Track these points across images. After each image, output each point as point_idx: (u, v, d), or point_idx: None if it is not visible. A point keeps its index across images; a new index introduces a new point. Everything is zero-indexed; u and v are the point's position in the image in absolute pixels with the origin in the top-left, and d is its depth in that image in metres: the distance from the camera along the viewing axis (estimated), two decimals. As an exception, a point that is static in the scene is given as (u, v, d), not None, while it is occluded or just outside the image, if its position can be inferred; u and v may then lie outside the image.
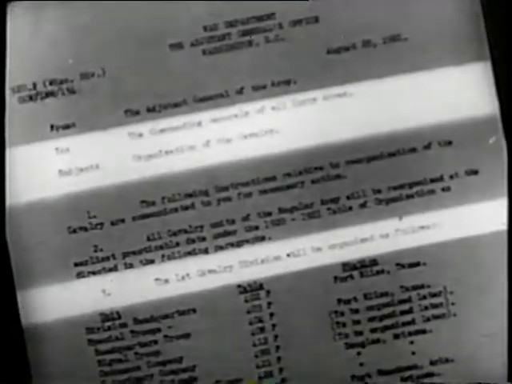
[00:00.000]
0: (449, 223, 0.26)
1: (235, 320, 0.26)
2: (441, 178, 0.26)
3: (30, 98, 0.26)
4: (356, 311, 0.26)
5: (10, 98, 0.25)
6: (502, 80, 0.25)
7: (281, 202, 0.26)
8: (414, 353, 0.26)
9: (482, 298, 0.26)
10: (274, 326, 0.26)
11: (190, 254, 0.26)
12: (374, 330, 0.26)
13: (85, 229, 0.26)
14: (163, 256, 0.26)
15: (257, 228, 0.26)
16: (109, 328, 0.26)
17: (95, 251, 0.26)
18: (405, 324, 0.26)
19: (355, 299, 0.26)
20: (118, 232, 0.26)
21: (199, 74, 0.26)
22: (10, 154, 0.25)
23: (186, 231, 0.26)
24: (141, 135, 0.26)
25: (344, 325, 0.26)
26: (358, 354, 0.26)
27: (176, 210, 0.26)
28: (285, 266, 0.26)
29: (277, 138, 0.26)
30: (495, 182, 0.26)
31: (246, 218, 0.26)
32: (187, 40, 0.26)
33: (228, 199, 0.26)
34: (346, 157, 0.26)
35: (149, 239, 0.26)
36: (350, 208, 0.26)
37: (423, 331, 0.26)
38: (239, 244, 0.26)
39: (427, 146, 0.26)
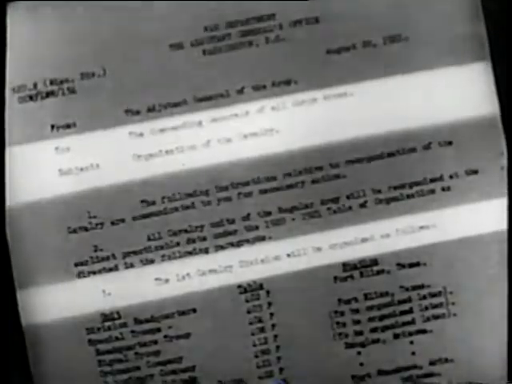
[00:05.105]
0: (449, 223, 0.26)
1: (235, 320, 0.26)
2: (441, 178, 0.26)
3: (31, 97, 0.26)
4: (356, 311, 0.26)
5: (10, 98, 0.25)
6: (501, 80, 0.25)
7: (281, 202, 0.26)
8: (413, 353, 0.26)
9: (481, 298, 0.26)
10: (273, 325, 0.26)
11: (190, 253, 0.26)
12: (374, 330, 0.26)
13: (85, 229, 0.26)
14: (163, 256, 0.26)
15: (257, 228, 0.26)
16: (109, 328, 0.26)
17: (95, 251, 0.26)
18: (405, 324, 0.26)
19: (355, 299, 0.26)
20: (118, 232, 0.26)
21: (199, 74, 0.26)
22: (10, 153, 0.25)
23: (186, 231, 0.26)
24: (141, 135, 0.26)
25: (344, 325, 0.26)
26: (358, 353, 0.26)
27: (176, 209, 0.26)
28: (285, 266, 0.26)
29: (277, 138, 0.26)
30: (495, 181, 0.26)
31: (246, 217, 0.26)
32: (187, 40, 0.26)
33: (228, 199, 0.26)
34: (345, 157, 0.26)
35: (149, 239, 0.26)
36: (350, 208, 0.26)
37: (423, 331, 0.26)
38: (239, 244, 0.26)
39: (427, 146, 0.26)
